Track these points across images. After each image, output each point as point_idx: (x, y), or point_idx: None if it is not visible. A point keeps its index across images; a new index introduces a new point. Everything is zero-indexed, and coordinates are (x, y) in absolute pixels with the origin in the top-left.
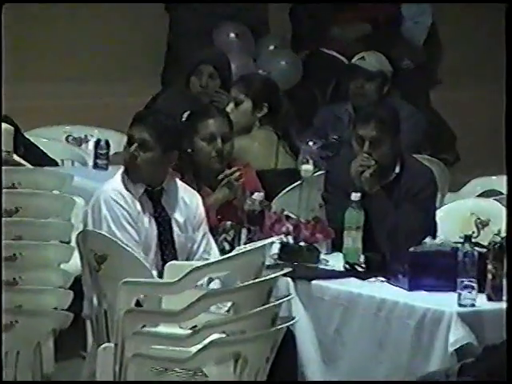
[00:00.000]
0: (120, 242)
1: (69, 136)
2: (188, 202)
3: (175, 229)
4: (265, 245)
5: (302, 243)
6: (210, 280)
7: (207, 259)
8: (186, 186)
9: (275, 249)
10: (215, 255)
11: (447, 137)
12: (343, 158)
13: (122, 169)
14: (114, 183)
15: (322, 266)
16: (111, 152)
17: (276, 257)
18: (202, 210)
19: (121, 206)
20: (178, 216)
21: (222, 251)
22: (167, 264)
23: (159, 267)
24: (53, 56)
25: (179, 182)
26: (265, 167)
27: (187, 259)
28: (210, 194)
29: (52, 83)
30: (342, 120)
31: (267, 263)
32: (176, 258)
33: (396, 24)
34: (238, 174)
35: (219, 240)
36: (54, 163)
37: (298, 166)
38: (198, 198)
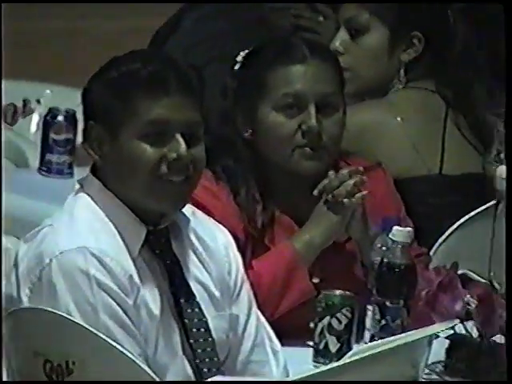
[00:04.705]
0: (102, 335)
1: None
2: (210, 243)
3: (203, 304)
4: (417, 340)
5: (495, 335)
6: None
7: (264, 361)
8: (195, 210)
9: (441, 349)
10: (277, 347)
11: None
12: None
13: (91, 188)
14: (78, 228)
15: None
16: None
17: (442, 366)
18: (236, 254)
19: (101, 287)
20: (202, 276)
21: (323, 353)
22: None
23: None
24: None
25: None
26: (416, 171)
27: (224, 361)
28: (294, 229)
29: None
30: None
31: (422, 378)
32: (218, 362)
33: None
34: (353, 182)
35: (318, 329)
36: None
37: (488, 167)
38: (224, 231)
